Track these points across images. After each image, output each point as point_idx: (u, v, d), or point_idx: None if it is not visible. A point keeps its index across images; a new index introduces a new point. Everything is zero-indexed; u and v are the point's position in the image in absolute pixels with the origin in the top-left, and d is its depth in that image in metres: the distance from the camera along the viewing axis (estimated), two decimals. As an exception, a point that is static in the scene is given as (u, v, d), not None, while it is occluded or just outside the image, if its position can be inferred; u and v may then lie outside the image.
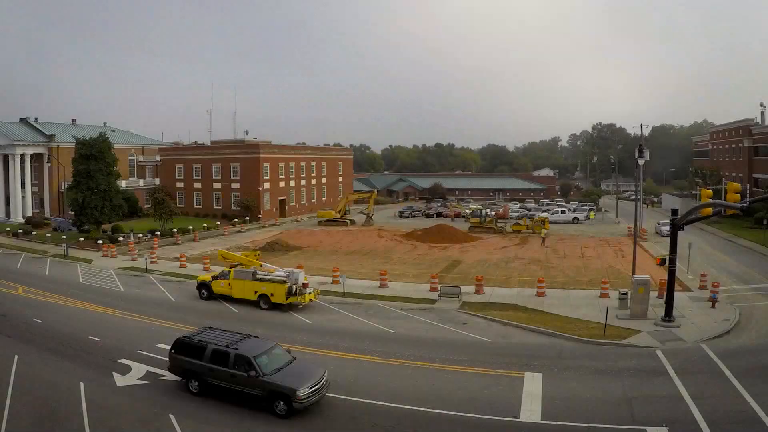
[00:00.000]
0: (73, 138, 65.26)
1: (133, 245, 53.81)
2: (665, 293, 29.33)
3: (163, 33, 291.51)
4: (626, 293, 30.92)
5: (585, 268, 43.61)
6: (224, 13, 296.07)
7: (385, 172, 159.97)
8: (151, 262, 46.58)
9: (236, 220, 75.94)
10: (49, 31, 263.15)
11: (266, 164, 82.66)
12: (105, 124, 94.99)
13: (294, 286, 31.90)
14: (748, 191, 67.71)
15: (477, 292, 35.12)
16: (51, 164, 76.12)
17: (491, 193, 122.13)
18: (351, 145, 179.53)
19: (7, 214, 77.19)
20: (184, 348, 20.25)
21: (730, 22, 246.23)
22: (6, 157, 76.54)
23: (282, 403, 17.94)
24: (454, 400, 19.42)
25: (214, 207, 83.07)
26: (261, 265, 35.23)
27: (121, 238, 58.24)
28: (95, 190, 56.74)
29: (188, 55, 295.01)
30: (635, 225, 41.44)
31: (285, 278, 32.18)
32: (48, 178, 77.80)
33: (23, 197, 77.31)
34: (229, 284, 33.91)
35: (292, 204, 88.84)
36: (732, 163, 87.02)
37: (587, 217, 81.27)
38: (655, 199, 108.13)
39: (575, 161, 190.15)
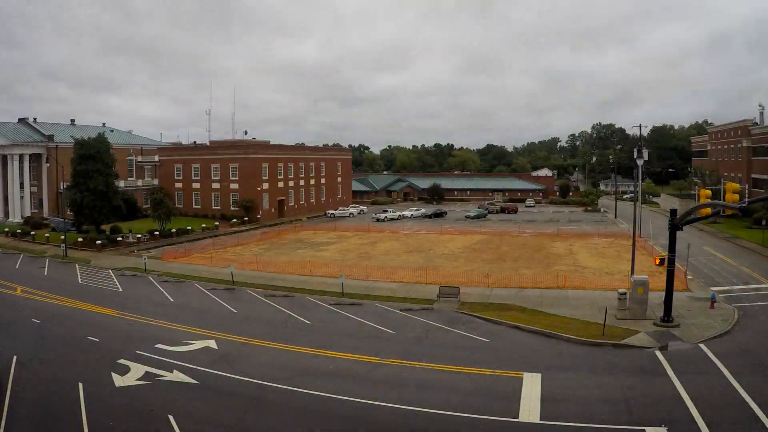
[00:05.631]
0: (72, 138, 65.30)
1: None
2: (665, 293, 29.26)
3: (162, 33, 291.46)
4: (625, 293, 30.92)
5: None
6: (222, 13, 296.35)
7: (384, 173, 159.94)
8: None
9: (235, 220, 75.99)
10: (46, 30, 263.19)
11: (265, 165, 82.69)
12: (104, 124, 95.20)
13: None
14: (746, 191, 67.84)
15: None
16: (50, 164, 76.08)
17: (490, 194, 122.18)
18: (350, 146, 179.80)
19: (6, 215, 77.16)
20: None
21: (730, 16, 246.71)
22: (5, 158, 76.51)
23: None
24: (454, 400, 19.41)
25: (213, 207, 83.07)
26: None
27: (119, 239, 58.27)
28: (94, 191, 56.75)
29: (188, 53, 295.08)
30: (634, 225, 41.52)
31: None
32: (47, 178, 77.79)
33: (22, 197, 77.31)
34: None
35: (291, 204, 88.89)
36: (731, 163, 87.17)
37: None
38: (655, 200, 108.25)
39: (574, 161, 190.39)
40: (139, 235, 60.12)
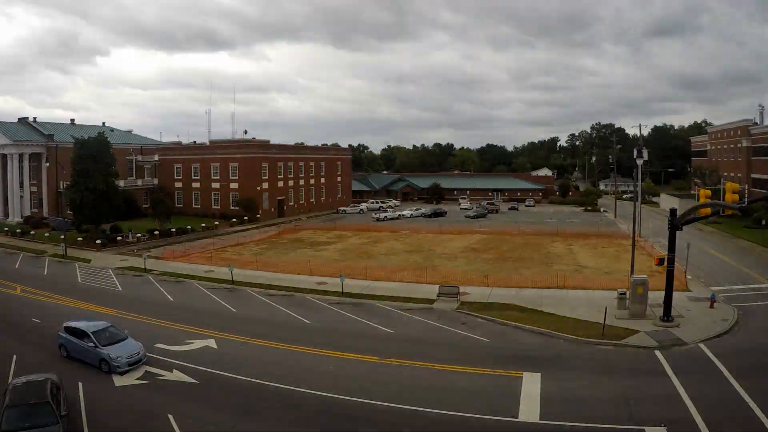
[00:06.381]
0: (72, 138, 65.21)
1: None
2: (664, 293, 29.24)
3: (161, 33, 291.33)
4: (625, 293, 30.93)
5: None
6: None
7: (384, 172, 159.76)
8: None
9: (235, 220, 75.96)
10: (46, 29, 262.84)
11: (265, 164, 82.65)
12: (104, 123, 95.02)
13: None
14: (746, 191, 67.88)
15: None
16: (49, 164, 75.98)
17: (489, 194, 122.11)
18: (350, 145, 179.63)
19: (6, 214, 77.12)
20: None
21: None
22: (4, 157, 76.44)
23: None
24: (453, 400, 19.43)
25: (213, 207, 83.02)
26: None
27: (119, 238, 58.25)
28: (94, 190, 56.66)
29: (187, 54, 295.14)
30: (634, 225, 41.52)
31: None
32: (46, 177, 77.67)
33: (22, 197, 77.19)
34: None
35: (290, 204, 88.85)
36: (731, 163, 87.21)
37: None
38: (655, 199, 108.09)
39: (574, 161, 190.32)
40: (138, 235, 60.10)
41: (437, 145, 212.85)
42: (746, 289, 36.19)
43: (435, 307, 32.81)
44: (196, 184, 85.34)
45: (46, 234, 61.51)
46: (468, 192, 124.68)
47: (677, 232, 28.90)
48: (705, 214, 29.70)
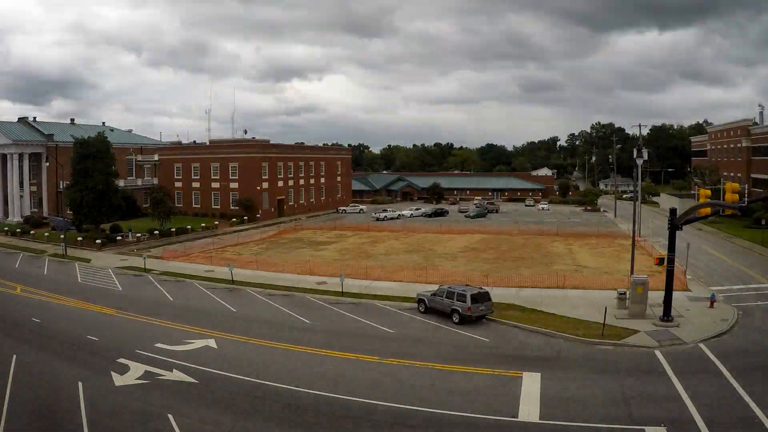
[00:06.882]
0: (72, 137, 65.22)
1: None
2: (664, 293, 29.23)
3: (161, 32, 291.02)
4: (624, 293, 30.94)
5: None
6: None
7: (384, 172, 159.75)
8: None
9: (235, 219, 75.98)
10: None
11: (265, 164, 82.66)
12: (104, 123, 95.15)
13: None
14: (746, 191, 67.88)
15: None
16: (49, 164, 75.97)
17: (489, 193, 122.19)
18: (350, 145, 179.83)
19: (6, 214, 77.13)
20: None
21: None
22: (4, 157, 76.47)
23: None
24: (453, 399, 19.42)
25: (213, 207, 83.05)
26: None
27: (119, 238, 58.26)
28: (94, 190, 56.69)
29: (186, 54, 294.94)
30: (634, 225, 41.50)
31: None
32: (46, 177, 77.70)
33: (21, 197, 77.22)
34: None
35: (290, 204, 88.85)
36: (730, 163, 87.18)
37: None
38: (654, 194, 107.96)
39: (574, 161, 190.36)
40: (138, 234, 60.11)
41: (437, 145, 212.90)
42: (746, 289, 36.19)
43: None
44: (196, 184, 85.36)
45: (46, 234, 61.53)
46: (468, 192, 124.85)
47: (677, 232, 28.91)
48: (705, 214, 29.74)
